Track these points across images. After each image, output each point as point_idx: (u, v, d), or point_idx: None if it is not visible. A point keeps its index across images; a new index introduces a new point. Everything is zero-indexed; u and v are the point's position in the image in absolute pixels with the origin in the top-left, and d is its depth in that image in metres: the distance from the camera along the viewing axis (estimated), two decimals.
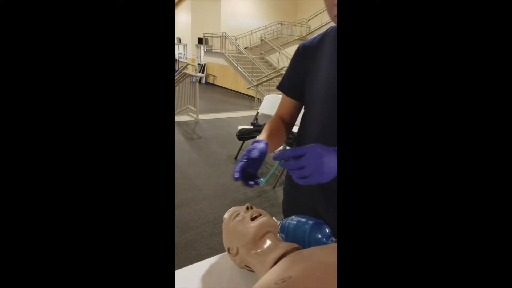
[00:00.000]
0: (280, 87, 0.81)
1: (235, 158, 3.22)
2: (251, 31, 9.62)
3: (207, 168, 2.94)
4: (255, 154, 0.58)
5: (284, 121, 0.81)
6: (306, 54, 0.74)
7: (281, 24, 10.12)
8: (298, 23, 10.00)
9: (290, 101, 0.80)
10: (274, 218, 0.75)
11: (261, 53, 9.33)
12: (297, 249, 0.57)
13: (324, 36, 0.72)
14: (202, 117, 4.94)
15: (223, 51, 8.70)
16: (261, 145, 0.61)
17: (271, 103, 2.78)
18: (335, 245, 0.55)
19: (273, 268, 0.51)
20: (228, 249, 0.63)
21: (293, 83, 0.78)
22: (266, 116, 2.93)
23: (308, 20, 9.63)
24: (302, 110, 0.81)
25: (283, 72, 0.84)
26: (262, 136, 0.69)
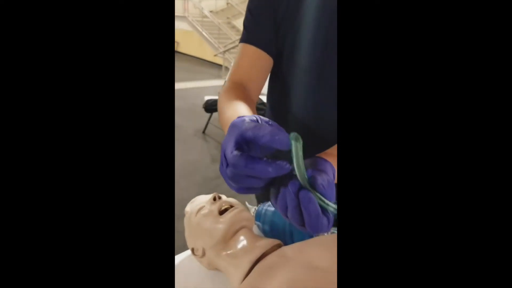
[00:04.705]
0: (250, 39, 0.54)
1: (203, 132, 3.04)
2: None
3: None
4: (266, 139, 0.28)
5: (248, 90, 0.54)
6: None
7: None
8: None
9: (261, 58, 0.54)
10: (247, 203, 0.65)
11: (227, 18, 8.83)
12: (279, 246, 0.47)
13: None
14: None
15: (186, 15, 8.13)
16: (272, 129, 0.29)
17: None
18: (325, 238, 0.45)
19: (248, 279, 0.40)
20: (193, 249, 0.51)
21: (264, 31, 0.54)
22: None
23: None
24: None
25: None
26: (243, 111, 0.43)
